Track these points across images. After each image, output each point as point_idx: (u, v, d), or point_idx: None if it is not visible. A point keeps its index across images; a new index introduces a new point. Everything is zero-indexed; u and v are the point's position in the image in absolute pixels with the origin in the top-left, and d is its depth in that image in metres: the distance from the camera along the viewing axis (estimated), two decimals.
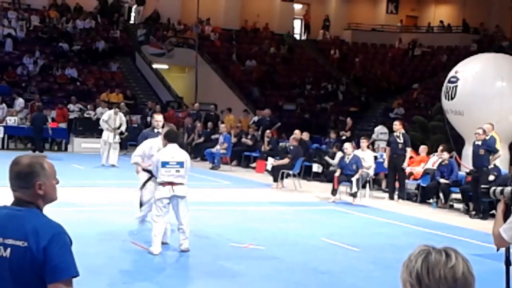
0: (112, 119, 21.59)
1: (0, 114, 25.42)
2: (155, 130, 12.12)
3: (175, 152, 9.73)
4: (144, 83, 34.03)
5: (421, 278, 2.23)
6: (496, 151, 15.34)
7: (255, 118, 27.27)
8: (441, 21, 40.72)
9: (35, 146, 23.42)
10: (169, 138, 9.86)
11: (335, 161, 18.40)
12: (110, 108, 23.42)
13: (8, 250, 3.12)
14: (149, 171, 10.49)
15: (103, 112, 24.54)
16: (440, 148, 17.17)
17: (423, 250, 2.27)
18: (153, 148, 10.36)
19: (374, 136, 23.30)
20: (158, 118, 12.38)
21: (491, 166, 15.08)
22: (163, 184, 9.56)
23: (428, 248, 2.28)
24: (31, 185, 3.24)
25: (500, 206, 5.08)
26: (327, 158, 20.24)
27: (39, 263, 3.09)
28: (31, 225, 3.15)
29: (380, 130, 23.95)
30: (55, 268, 3.11)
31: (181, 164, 9.65)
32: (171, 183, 9.54)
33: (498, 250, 5.13)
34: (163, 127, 12.09)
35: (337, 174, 16.48)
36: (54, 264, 3.11)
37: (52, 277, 3.11)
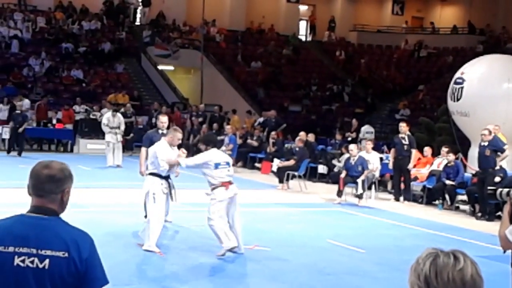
0: (111, 121, 21.65)
1: (7, 115, 25.46)
2: (160, 131, 12.06)
3: (222, 154, 10.11)
4: (150, 84, 34.07)
5: (430, 281, 2.21)
6: (502, 150, 15.29)
7: (261, 119, 27.27)
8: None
9: (8, 147, 23.05)
10: (210, 143, 10.01)
11: (342, 164, 18.40)
12: (117, 110, 23.44)
13: (46, 261, 3.06)
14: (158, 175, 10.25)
15: (104, 115, 24.64)
16: (445, 149, 17.13)
17: (431, 253, 2.25)
18: (169, 153, 10.22)
19: (360, 135, 23.96)
20: (163, 120, 12.33)
21: (497, 167, 15.04)
22: (224, 184, 9.72)
23: (436, 251, 2.26)
24: (60, 191, 3.20)
25: (507, 208, 5.06)
26: (334, 162, 20.22)
27: (80, 274, 3.10)
28: (69, 235, 3.13)
29: (366, 129, 24.89)
30: (95, 278, 3.16)
31: (229, 163, 9.96)
32: (230, 182, 9.80)
33: (504, 252, 5.11)
34: (168, 128, 12.09)
35: (342, 175, 16.48)
36: (95, 274, 3.15)
37: (92, 287, 3.15)
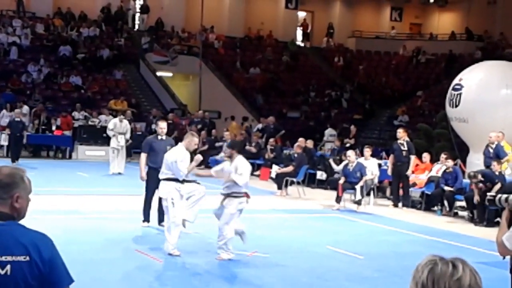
0: (117, 127, 21.51)
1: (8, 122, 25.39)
2: (159, 137, 12.17)
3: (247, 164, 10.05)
4: (148, 90, 34.08)
5: None
6: (502, 157, 15.28)
7: (259, 126, 27.28)
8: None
9: (11, 155, 22.31)
10: (239, 148, 10.17)
11: (339, 167, 18.39)
12: (114, 116, 23.37)
13: (8, 267, 3.02)
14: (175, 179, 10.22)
15: (107, 120, 24.55)
16: (443, 156, 17.14)
17: (431, 261, 2.25)
18: (188, 158, 10.25)
19: (324, 138, 24.51)
20: (162, 125, 12.39)
21: (496, 173, 15.04)
22: (245, 195, 9.86)
23: (435, 258, 2.26)
24: (9, 196, 3.14)
25: (505, 214, 5.07)
26: (331, 161, 20.16)
27: (44, 276, 3.09)
28: (27, 239, 3.09)
29: (329, 132, 26.38)
30: (60, 277, 3.15)
31: None
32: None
33: (504, 258, 5.12)
34: (166, 134, 12.16)
35: (341, 181, 16.48)
36: (59, 274, 3.14)
37: (58, 287, 3.16)
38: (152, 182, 11.64)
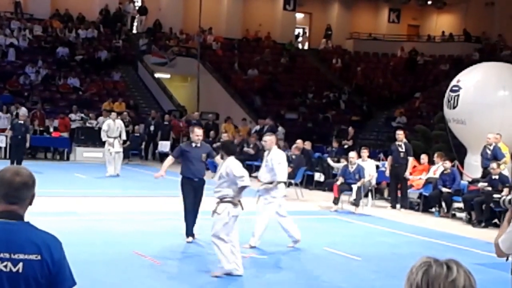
0: (111, 128, 21.24)
1: (6, 124, 25.31)
2: (193, 145, 11.37)
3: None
4: (146, 92, 34.06)
5: None
6: (500, 158, 15.32)
7: (257, 127, 27.28)
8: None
9: (11, 157, 21.08)
10: (228, 150, 9.36)
11: (338, 164, 18.36)
12: (118, 114, 23.05)
13: (20, 265, 3.11)
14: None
15: (105, 121, 24.46)
16: (437, 158, 17.18)
17: (425, 263, 2.25)
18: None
19: (278, 136, 25.37)
20: (199, 133, 11.43)
21: (495, 177, 15.02)
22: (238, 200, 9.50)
23: (429, 260, 2.26)
24: (29, 196, 3.25)
25: (508, 215, 5.09)
26: (329, 160, 20.18)
27: (52, 275, 3.17)
28: (40, 239, 3.18)
29: (282, 131, 27.49)
30: (66, 278, 3.24)
31: None
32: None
33: (507, 259, 5.11)
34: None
35: (338, 182, 16.46)
36: (66, 274, 3.24)
37: (62, 287, 3.24)
38: (188, 193, 11.14)
